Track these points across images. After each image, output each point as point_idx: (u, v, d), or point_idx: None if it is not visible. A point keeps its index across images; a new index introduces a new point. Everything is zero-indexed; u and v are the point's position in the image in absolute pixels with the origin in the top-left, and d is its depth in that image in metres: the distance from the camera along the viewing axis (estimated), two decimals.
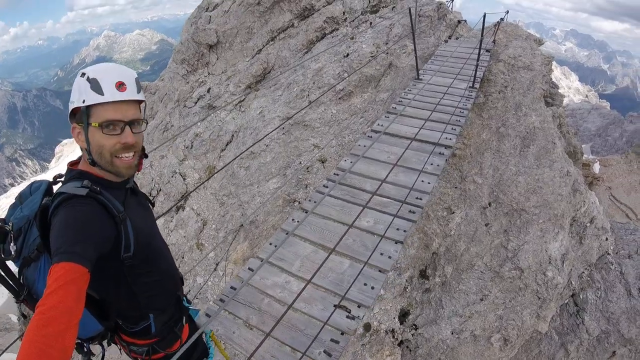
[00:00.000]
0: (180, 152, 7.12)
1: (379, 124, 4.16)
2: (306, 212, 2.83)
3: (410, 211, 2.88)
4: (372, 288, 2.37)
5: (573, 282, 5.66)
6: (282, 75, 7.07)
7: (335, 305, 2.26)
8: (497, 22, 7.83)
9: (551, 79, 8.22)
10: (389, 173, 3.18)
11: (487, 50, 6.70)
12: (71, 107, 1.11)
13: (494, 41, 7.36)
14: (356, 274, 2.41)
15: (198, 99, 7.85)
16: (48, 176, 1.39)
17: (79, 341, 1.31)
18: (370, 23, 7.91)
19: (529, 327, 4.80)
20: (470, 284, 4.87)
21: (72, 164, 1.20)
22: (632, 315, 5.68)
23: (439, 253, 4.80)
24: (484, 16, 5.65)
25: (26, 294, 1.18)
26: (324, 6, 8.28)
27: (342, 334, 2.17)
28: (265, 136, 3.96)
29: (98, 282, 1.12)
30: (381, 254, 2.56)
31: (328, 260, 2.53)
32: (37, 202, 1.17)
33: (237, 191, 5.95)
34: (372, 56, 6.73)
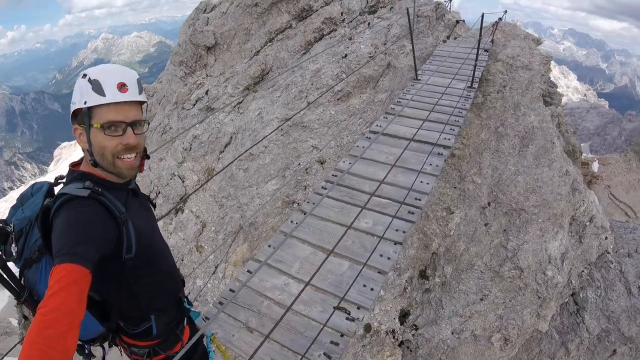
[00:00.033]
0: (178, 154, 7.12)
1: (377, 125, 4.16)
2: (305, 214, 2.82)
3: (409, 212, 2.87)
4: (372, 289, 2.36)
5: (573, 281, 5.66)
6: (280, 76, 7.07)
7: (334, 307, 2.25)
8: (495, 21, 7.85)
9: (550, 78, 8.24)
10: (387, 174, 3.18)
11: (486, 50, 6.70)
12: (73, 108, 1.11)
13: (492, 41, 7.37)
14: (355, 275, 2.41)
15: (196, 101, 7.85)
16: (48, 179, 1.39)
17: (80, 343, 1.31)
18: (369, 24, 7.92)
19: (529, 326, 4.80)
20: (470, 283, 4.87)
21: (74, 165, 1.20)
22: (632, 313, 5.68)
23: (439, 253, 4.80)
24: (482, 16, 5.66)
25: (27, 295, 1.18)
26: (321, 7, 8.29)
27: (342, 335, 2.17)
28: (264, 138, 3.96)
29: (100, 283, 1.11)
30: (380, 255, 2.55)
31: (327, 262, 2.53)
32: (39, 203, 1.17)
33: (236, 193, 5.94)
34: (370, 57, 6.73)
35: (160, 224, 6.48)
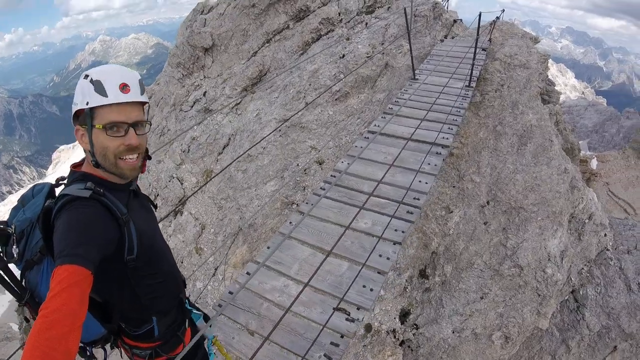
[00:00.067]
0: (177, 156, 7.10)
1: (375, 125, 4.16)
2: (303, 215, 2.82)
3: (408, 212, 2.87)
4: (371, 290, 2.36)
5: (573, 279, 5.67)
6: (278, 77, 7.07)
7: (334, 308, 2.25)
8: (493, 20, 7.86)
9: (547, 76, 8.25)
10: (385, 174, 3.18)
11: (483, 49, 6.71)
12: (74, 109, 1.10)
13: (489, 40, 7.38)
14: (355, 276, 2.40)
15: (194, 103, 7.84)
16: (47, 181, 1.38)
17: (82, 345, 1.30)
18: (366, 24, 7.93)
19: (529, 324, 4.80)
20: (470, 282, 4.87)
21: (75, 166, 1.20)
22: (632, 310, 5.69)
23: (438, 252, 4.80)
24: (480, 15, 5.67)
25: (29, 297, 1.17)
26: (319, 7, 8.29)
27: (342, 337, 2.16)
28: (263, 139, 3.96)
29: (101, 285, 1.11)
30: (379, 255, 2.55)
31: (326, 262, 2.52)
32: (40, 204, 1.17)
33: (235, 194, 5.94)
34: (368, 57, 6.74)
35: (159, 226, 6.43)
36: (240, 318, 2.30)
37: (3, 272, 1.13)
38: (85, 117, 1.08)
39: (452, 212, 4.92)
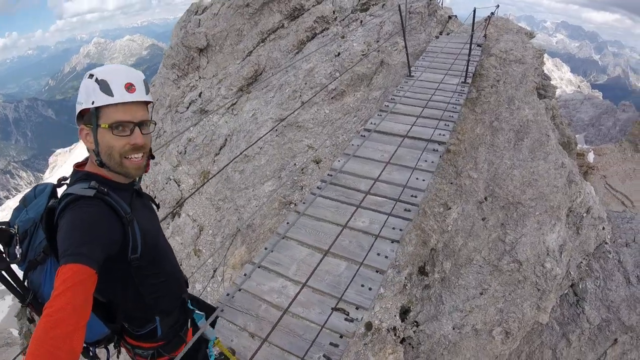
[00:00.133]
0: (173, 158, 7.07)
1: (372, 123, 4.14)
2: (301, 215, 2.80)
3: (405, 209, 2.86)
4: (370, 289, 2.35)
5: (572, 273, 5.68)
6: (273, 76, 7.04)
7: (332, 308, 2.23)
8: (488, 16, 7.85)
9: (543, 71, 8.25)
10: (382, 171, 3.16)
11: (479, 45, 6.70)
12: (79, 108, 1.10)
13: (485, 36, 7.37)
14: (353, 275, 2.39)
15: (190, 104, 7.80)
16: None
17: (85, 345, 1.30)
18: (361, 21, 7.90)
19: (529, 318, 4.81)
20: (470, 278, 4.87)
21: (78, 166, 1.20)
22: (632, 302, 5.72)
23: (437, 249, 4.79)
24: (474, 11, 5.65)
25: (31, 298, 1.17)
26: (313, 6, 8.25)
27: (341, 337, 2.15)
28: (259, 139, 3.93)
29: (105, 284, 1.11)
30: (378, 254, 2.54)
31: (324, 262, 2.51)
32: (43, 204, 1.17)
33: (233, 195, 5.91)
34: (363, 54, 6.71)
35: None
36: (238, 320, 2.28)
37: (6, 273, 1.13)
38: (90, 117, 1.08)
39: (450, 208, 4.92)
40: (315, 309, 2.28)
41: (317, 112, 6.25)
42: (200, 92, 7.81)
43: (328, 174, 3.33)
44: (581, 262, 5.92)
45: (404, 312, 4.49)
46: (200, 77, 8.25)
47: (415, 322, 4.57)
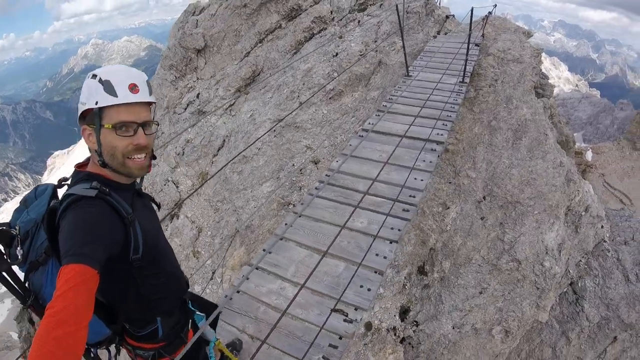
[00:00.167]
0: (171, 159, 7.05)
1: (369, 123, 4.14)
2: (299, 216, 2.79)
3: (404, 209, 2.85)
4: (369, 290, 2.34)
5: (571, 271, 5.69)
6: (271, 77, 7.03)
7: (331, 310, 2.23)
8: (486, 15, 7.85)
9: (541, 70, 8.27)
10: (380, 172, 3.16)
11: (477, 45, 6.71)
12: (82, 108, 1.10)
13: (482, 35, 7.37)
14: (352, 276, 2.38)
15: (188, 105, 7.78)
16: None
17: (87, 346, 1.30)
18: (359, 21, 7.90)
19: (529, 317, 4.81)
20: (469, 277, 4.87)
21: (80, 166, 1.20)
22: (631, 300, 5.73)
23: (436, 249, 4.79)
24: (472, 10, 5.66)
25: (33, 299, 1.17)
26: (311, 6, 8.25)
27: (340, 338, 2.15)
28: (257, 140, 3.92)
29: (107, 285, 1.09)
30: (376, 254, 2.53)
31: (323, 263, 2.49)
32: (45, 204, 1.17)
33: (231, 196, 5.90)
34: (361, 55, 6.71)
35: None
36: (237, 322, 2.27)
37: (7, 274, 1.13)
38: (93, 117, 1.08)
39: (448, 208, 4.92)
40: (314, 310, 2.28)
41: (315, 113, 6.24)
42: (198, 93, 7.79)
43: (326, 175, 3.32)
44: (580, 261, 5.93)
45: (404, 312, 4.49)
46: (198, 78, 8.23)
47: (415, 321, 4.57)
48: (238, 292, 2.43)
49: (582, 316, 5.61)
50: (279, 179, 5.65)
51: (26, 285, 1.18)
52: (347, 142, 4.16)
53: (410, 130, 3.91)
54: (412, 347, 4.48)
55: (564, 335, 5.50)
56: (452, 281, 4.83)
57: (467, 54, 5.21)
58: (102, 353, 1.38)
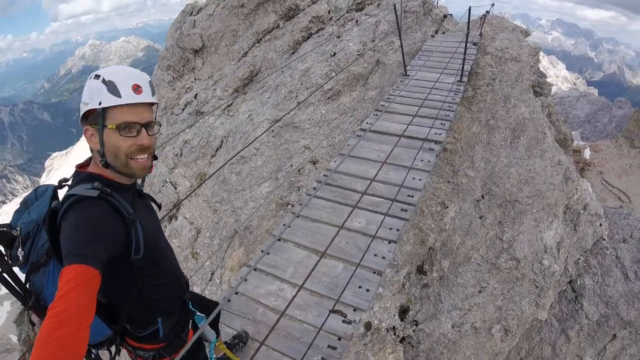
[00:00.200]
0: (169, 160, 7.03)
1: (367, 123, 4.13)
2: (297, 217, 2.78)
3: (402, 209, 2.84)
4: (368, 290, 2.33)
5: (570, 269, 5.70)
6: (269, 77, 7.02)
7: (330, 311, 2.22)
8: (483, 15, 7.85)
9: (539, 68, 8.27)
10: (378, 171, 3.15)
11: (474, 44, 6.70)
12: (85, 109, 1.10)
13: (480, 34, 7.37)
14: (350, 277, 2.37)
15: (185, 106, 7.76)
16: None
17: (88, 347, 1.27)
18: (356, 21, 7.89)
19: (528, 316, 4.81)
20: (468, 277, 4.87)
21: (81, 167, 1.20)
22: (630, 298, 5.74)
23: (435, 248, 4.79)
24: (469, 9, 5.65)
25: (34, 300, 1.17)
26: (308, 6, 8.24)
27: (339, 339, 2.14)
28: (255, 139, 3.91)
29: (109, 285, 1.10)
30: (375, 255, 2.52)
31: (321, 264, 2.49)
32: (46, 205, 1.17)
33: (230, 197, 5.89)
34: (359, 54, 6.71)
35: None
36: (235, 324, 2.26)
37: (8, 275, 1.13)
38: (96, 117, 1.08)
39: (447, 207, 4.92)
40: (313, 311, 2.27)
41: (313, 113, 6.23)
42: (196, 94, 7.77)
43: (324, 175, 3.31)
44: (579, 259, 5.94)
45: (403, 312, 4.49)
46: (195, 79, 8.21)
47: (415, 321, 4.57)
48: (236, 293, 2.42)
49: (582, 314, 5.62)
50: (277, 179, 5.64)
51: (27, 286, 1.18)
52: (345, 142, 4.15)
53: (409, 129, 3.90)
54: (412, 346, 4.48)
55: (564, 334, 5.51)
56: (451, 280, 4.83)
57: (464, 53, 5.21)
58: (104, 354, 1.38)
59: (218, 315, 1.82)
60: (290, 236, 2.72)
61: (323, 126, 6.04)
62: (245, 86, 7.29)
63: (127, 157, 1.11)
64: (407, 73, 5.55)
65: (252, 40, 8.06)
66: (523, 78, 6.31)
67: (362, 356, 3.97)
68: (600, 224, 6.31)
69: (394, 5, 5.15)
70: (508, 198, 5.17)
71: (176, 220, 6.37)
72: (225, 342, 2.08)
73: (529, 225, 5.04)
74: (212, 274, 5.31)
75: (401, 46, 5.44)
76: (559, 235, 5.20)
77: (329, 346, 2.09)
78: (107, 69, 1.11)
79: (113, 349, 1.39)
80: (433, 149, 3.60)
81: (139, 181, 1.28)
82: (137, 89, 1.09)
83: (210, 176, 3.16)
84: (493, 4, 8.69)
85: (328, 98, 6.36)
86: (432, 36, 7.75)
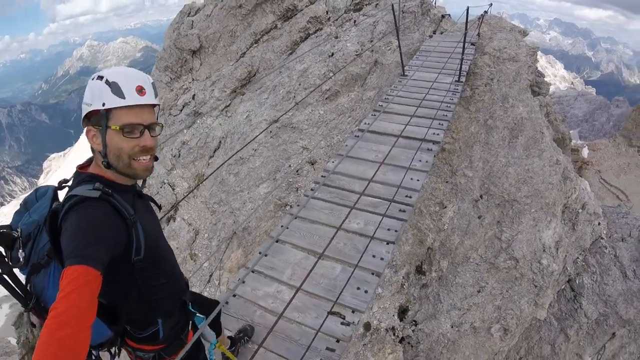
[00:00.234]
0: (167, 161, 7.01)
1: (365, 123, 4.12)
2: (295, 218, 2.77)
3: (400, 210, 2.84)
4: (366, 292, 2.32)
5: (568, 268, 5.70)
6: (267, 77, 7.01)
7: (328, 312, 2.21)
8: (481, 15, 7.85)
9: (537, 68, 8.29)
10: (376, 172, 3.14)
11: (472, 44, 6.71)
12: (87, 109, 1.10)
13: (478, 34, 7.38)
14: (348, 278, 2.37)
15: (183, 106, 7.74)
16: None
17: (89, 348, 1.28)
18: (354, 21, 7.88)
19: (527, 315, 4.82)
20: (467, 276, 4.87)
21: (81, 167, 1.20)
22: (628, 296, 5.75)
23: (434, 248, 4.79)
24: (467, 10, 5.66)
25: (34, 302, 1.17)
26: (306, 6, 8.23)
27: (338, 341, 2.13)
28: (253, 140, 3.90)
29: (109, 285, 1.09)
30: (373, 256, 2.51)
31: (319, 266, 2.48)
32: (46, 206, 1.18)
33: (228, 198, 5.87)
34: (357, 54, 6.70)
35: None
36: (233, 326, 2.25)
37: (8, 277, 1.13)
38: (99, 118, 1.08)
39: (446, 207, 4.91)
40: (311, 313, 2.26)
41: (311, 113, 6.22)
42: (194, 95, 7.75)
43: (321, 176, 3.30)
44: (577, 258, 5.94)
45: (402, 312, 4.48)
46: (193, 79, 8.19)
47: (414, 321, 4.56)
48: (234, 295, 2.41)
49: (581, 313, 5.62)
50: (275, 180, 5.63)
51: (27, 288, 1.18)
52: (343, 143, 4.14)
53: (407, 130, 3.90)
54: (412, 346, 4.48)
55: (563, 332, 5.52)
56: (450, 280, 4.83)
57: (462, 53, 5.21)
58: (104, 355, 1.38)
59: (219, 314, 1.82)
60: (288, 238, 2.72)
61: (321, 127, 6.03)
62: (243, 87, 7.27)
63: (130, 158, 1.12)
64: (405, 73, 5.55)
65: (250, 41, 8.05)
66: (521, 78, 6.32)
67: (362, 356, 3.96)
68: (599, 223, 6.32)
69: (392, 5, 5.15)
70: (506, 198, 5.17)
71: (174, 221, 6.35)
72: (230, 337, 2.10)
73: (527, 224, 5.05)
74: (211, 275, 5.29)
75: (399, 46, 5.43)
76: (558, 234, 5.20)
77: (327, 348, 2.08)
78: (110, 69, 1.11)
79: (113, 350, 1.38)
80: (431, 150, 3.59)
81: (140, 182, 1.28)
82: (140, 90, 1.09)
83: (208, 177, 3.15)
84: (491, 4, 8.70)
85: (326, 98, 6.35)
86: (430, 36, 7.75)
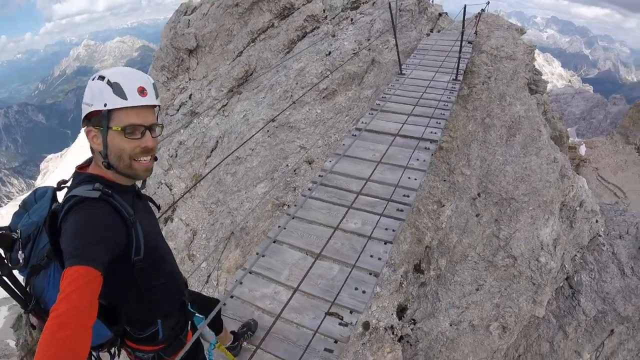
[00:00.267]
0: (164, 161, 6.98)
1: (362, 122, 4.11)
2: (292, 218, 2.76)
3: (398, 209, 2.83)
4: (364, 292, 2.31)
5: (566, 266, 5.71)
6: (264, 76, 6.98)
7: (326, 313, 2.20)
8: (478, 13, 7.85)
9: (534, 66, 8.29)
10: (374, 171, 3.13)
11: (470, 42, 6.70)
12: (88, 110, 1.10)
13: (475, 32, 7.37)
14: (346, 278, 2.35)
15: (180, 106, 7.70)
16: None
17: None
18: (351, 20, 7.86)
19: (526, 313, 4.82)
20: (465, 275, 4.87)
21: (81, 168, 1.20)
22: (627, 293, 5.77)
23: (432, 246, 4.79)
24: (465, 8, 5.65)
25: (34, 303, 1.16)
26: (303, 4, 8.19)
27: (336, 342, 2.12)
28: (250, 139, 3.88)
29: (109, 286, 1.08)
30: (371, 256, 2.50)
31: (317, 266, 2.46)
32: (46, 207, 1.18)
33: (225, 198, 5.85)
34: (354, 53, 6.68)
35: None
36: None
37: (7, 278, 1.13)
38: (100, 119, 1.08)
39: (443, 205, 4.91)
40: (309, 314, 2.25)
41: (308, 112, 6.20)
42: (191, 94, 7.72)
43: (319, 175, 3.29)
44: (575, 255, 5.96)
45: (401, 311, 4.48)
46: (190, 79, 8.15)
47: (413, 320, 4.56)
48: (232, 297, 2.39)
49: (579, 310, 5.64)
50: (273, 180, 5.61)
51: (27, 289, 1.18)
52: (341, 142, 4.12)
53: (404, 128, 3.88)
54: (410, 345, 4.48)
55: (561, 330, 5.53)
56: (449, 278, 4.83)
57: (460, 52, 5.20)
58: (104, 356, 1.37)
59: (219, 313, 1.81)
60: (286, 238, 2.70)
61: (318, 126, 6.01)
62: (240, 86, 7.24)
63: (131, 158, 1.12)
64: (403, 72, 5.53)
65: (247, 40, 8.01)
66: (518, 76, 6.32)
67: (361, 356, 3.96)
68: (597, 221, 6.33)
69: (389, 3, 5.13)
70: (504, 196, 5.17)
71: (172, 222, 6.32)
72: (233, 332, 2.10)
73: (525, 222, 5.05)
74: (209, 275, 5.27)
75: (396, 45, 5.42)
76: (556, 232, 5.21)
77: (325, 349, 2.07)
78: (111, 70, 1.11)
79: (113, 350, 1.38)
80: (429, 148, 3.58)
81: (140, 183, 1.28)
82: (142, 91, 1.09)
83: (205, 177, 3.13)
84: (488, 2, 8.69)
85: (323, 97, 6.33)
86: (428, 35, 7.74)
